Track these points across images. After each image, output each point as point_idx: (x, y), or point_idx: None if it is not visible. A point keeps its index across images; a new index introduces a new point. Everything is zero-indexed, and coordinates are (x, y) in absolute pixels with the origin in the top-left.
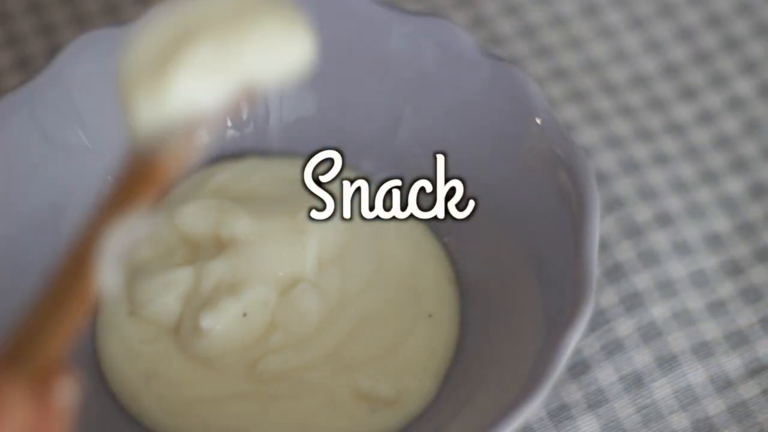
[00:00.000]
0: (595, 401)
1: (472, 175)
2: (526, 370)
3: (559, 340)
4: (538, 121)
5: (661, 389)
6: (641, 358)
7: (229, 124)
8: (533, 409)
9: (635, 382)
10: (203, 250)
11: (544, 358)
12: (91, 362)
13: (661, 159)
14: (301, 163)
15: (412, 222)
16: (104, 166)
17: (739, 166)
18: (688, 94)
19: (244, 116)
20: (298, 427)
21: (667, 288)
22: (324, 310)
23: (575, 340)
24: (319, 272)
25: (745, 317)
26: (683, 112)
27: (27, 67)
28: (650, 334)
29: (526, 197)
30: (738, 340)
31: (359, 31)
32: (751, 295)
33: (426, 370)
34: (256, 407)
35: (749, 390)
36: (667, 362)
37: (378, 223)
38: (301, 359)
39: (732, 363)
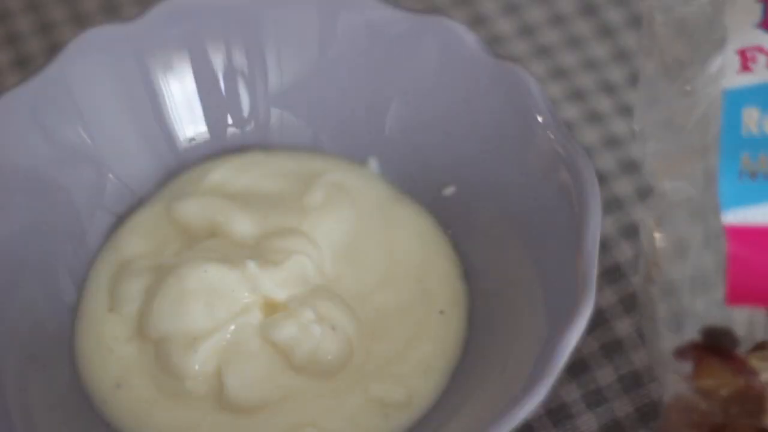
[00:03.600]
0: (594, 401)
1: (474, 171)
2: (528, 368)
3: (560, 339)
4: (540, 119)
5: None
6: (639, 358)
7: (230, 121)
8: (533, 407)
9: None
10: (198, 243)
11: (545, 356)
12: (67, 356)
13: None
14: (302, 156)
15: (419, 213)
16: (106, 164)
17: None
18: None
19: (245, 113)
20: None
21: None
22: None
23: (576, 338)
24: (334, 274)
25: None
26: None
27: (26, 66)
28: None
29: (528, 195)
30: None
31: (360, 29)
32: None
33: (436, 370)
34: None
35: None
36: None
37: (386, 213)
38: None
39: None
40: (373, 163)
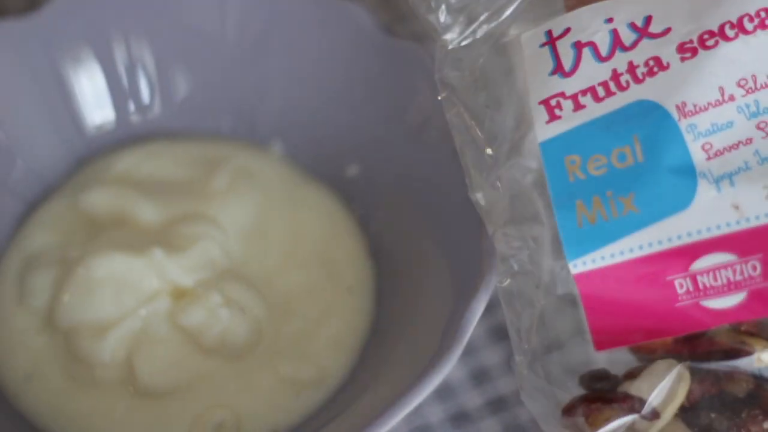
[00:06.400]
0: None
1: (376, 150)
2: (435, 341)
3: (465, 312)
4: (439, 97)
5: None
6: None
7: (133, 108)
8: (439, 380)
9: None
10: (105, 233)
11: (452, 329)
12: None
13: None
14: (206, 142)
15: (324, 193)
16: (15, 150)
17: None
18: None
19: (147, 100)
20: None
21: None
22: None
23: (480, 310)
24: (241, 257)
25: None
26: None
27: None
28: None
29: (430, 173)
30: None
31: (259, 13)
32: None
33: (346, 347)
34: (147, 419)
35: None
36: None
37: (291, 195)
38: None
39: None
40: (277, 147)
